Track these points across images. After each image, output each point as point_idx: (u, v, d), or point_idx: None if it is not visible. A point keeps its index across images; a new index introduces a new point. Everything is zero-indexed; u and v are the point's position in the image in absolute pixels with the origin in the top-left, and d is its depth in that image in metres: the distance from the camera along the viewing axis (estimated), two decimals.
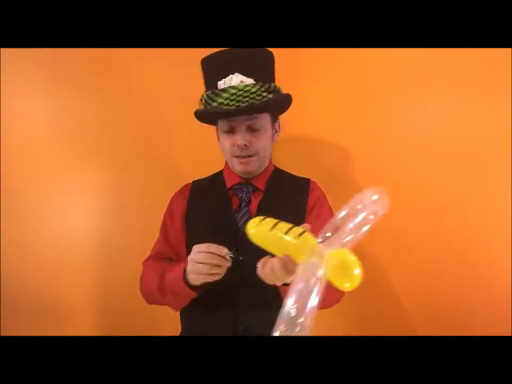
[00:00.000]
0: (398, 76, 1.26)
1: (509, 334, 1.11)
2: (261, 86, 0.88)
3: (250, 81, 0.89)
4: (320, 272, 0.56)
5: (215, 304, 0.92)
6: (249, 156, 0.94)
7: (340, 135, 1.33)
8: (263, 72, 0.92)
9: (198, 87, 0.99)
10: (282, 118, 1.05)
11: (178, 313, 1.01)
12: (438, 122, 1.22)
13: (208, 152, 1.20)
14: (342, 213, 0.61)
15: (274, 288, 0.82)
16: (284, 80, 0.98)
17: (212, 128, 1.05)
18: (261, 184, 1.00)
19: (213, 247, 0.77)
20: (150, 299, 0.98)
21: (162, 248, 1.03)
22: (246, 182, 1.00)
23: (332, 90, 1.33)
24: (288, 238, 0.62)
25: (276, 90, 0.92)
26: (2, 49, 1.28)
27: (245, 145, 0.92)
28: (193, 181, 1.09)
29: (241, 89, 0.86)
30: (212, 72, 0.93)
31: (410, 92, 1.25)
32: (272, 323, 0.86)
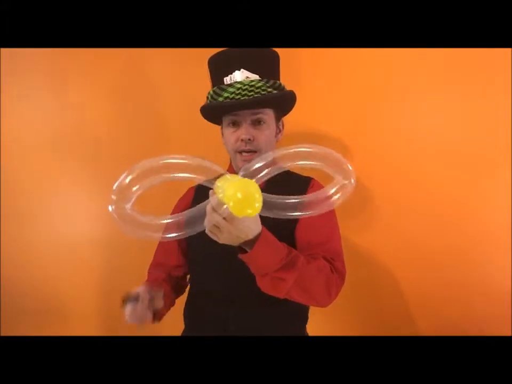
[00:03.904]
0: (397, 75, 1.26)
1: (509, 334, 1.11)
2: (266, 82, 0.90)
3: (255, 77, 0.90)
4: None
5: (207, 302, 0.92)
6: (252, 152, 0.93)
7: (341, 135, 1.32)
8: (268, 69, 0.93)
9: (200, 87, 0.99)
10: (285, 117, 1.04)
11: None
12: (438, 122, 1.22)
13: (211, 154, 1.20)
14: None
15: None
16: (284, 79, 0.97)
17: (215, 129, 1.04)
18: (261, 184, 0.99)
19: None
20: None
21: (159, 258, 1.05)
22: None
23: (332, 89, 1.33)
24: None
25: (281, 88, 0.93)
26: (2, 49, 1.28)
27: (249, 139, 0.91)
28: (195, 186, 1.08)
29: (247, 84, 0.88)
30: (218, 69, 0.94)
31: (410, 92, 1.25)
32: (264, 322, 0.87)
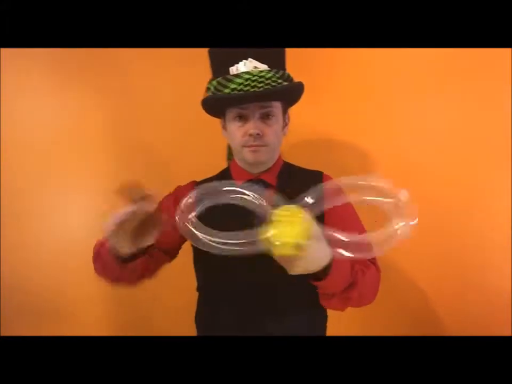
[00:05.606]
0: (397, 75, 1.26)
1: (509, 334, 1.11)
2: (276, 73, 0.85)
3: (264, 67, 0.85)
4: None
5: (238, 310, 0.86)
6: (261, 146, 0.89)
7: (347, 134, 1.33)
8: (276, 59, 0.89)
9: (199, 87, 0.98)
10: (295, 115, 1.02)
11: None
12: (437, 122, 1.22)
13: (209, 151, 1.20)
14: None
15: (301, 296, 0.82)
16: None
17: (208, 127, 1.03)
18: (271, 180, 0.94)
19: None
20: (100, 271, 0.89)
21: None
22: (257, 179, 0.94)
23: (327, 89, 1.33)
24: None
25: (290, 79, 0.89)
26: (2, 49, 1.28)
27: (258, 134, 0.86)
28: (198, 182, 0.99)
29: (256, 75, 0.82)
30: (222, 58, 0.88)
31: (411, 91, 1.25)
32: (296, 328, 0.83)
